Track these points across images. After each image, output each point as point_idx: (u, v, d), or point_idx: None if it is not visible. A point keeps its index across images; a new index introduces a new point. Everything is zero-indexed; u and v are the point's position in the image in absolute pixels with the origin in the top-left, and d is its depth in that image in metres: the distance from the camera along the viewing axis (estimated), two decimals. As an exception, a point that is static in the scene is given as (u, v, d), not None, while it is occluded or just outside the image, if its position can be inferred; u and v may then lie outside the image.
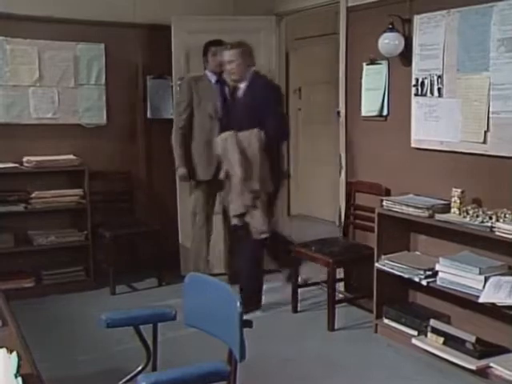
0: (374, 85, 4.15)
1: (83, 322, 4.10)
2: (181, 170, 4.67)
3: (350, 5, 4.35)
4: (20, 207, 4.57)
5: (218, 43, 4.58)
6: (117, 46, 5.08)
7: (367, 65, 4.18)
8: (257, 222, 4.14)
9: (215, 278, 2.11)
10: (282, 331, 4.01)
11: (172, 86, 5.10)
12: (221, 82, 4.66)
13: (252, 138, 4.11)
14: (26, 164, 4.63)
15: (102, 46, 5.03)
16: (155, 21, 5.07)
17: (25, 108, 4.74)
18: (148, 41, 5.19)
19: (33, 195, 4.61)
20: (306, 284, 4.51)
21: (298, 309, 4.32)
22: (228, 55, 4.27)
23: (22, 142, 4.69)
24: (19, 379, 1.35)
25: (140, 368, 2.24)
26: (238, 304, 1.81)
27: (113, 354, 3.61)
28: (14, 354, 1.48)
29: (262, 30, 5.17)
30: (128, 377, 2.25)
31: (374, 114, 4.15)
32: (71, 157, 4.80)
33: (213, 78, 4.66)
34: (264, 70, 5.05)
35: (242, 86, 4.29)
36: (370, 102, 4.18)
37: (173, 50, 4.99)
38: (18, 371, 1.40)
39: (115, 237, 4.80)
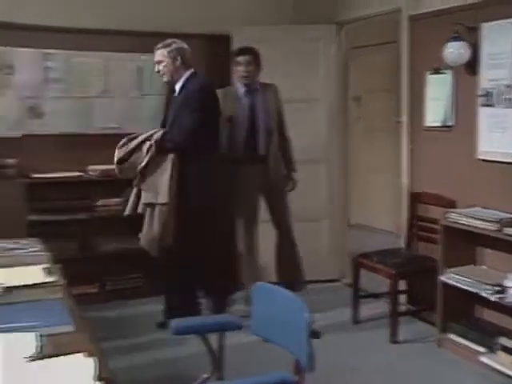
0: (438, 94, 4.10)
1: (145, 327, 4.18)
2: None
3: (412, 13, 4.32)
4: (84, 215, 4.70)
5: (243, 52, 4.38)
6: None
7: (431, 74, 4.14)
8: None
9: (283, 288, 2.13)
10: (343, 341, 3.99)
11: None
12: (250, 92, 4.39)
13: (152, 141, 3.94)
14: (90, 173, 4.76)
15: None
16: (215, 31, 5.14)
17: (90, 118, 4.87)
18: (208, 51, 5.25)
19: (97, 203, 4.75)
20: (367, 295, 4.48)
21: (359, 320, 4.30)
22: (156, 55, 4.10)
23: (87, 151, 4.80)
24: (98, 382, 1.39)
25: (206, 376, 2.28)
26: (306, 315, 1.83)
27: (176, 360, 3.66)
28: (93, 358, 1.53)
29: (321, 38, 5.19)
30: (195, 383, 2.29)
31: (439, 124, 4.10)
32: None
33: (242, 89, 4.41)
34: (323, 79, 5.08)
35: (177, 87, 4.10)
36: (434, 112, 4.13)
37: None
38: (97, 375, 1.45)
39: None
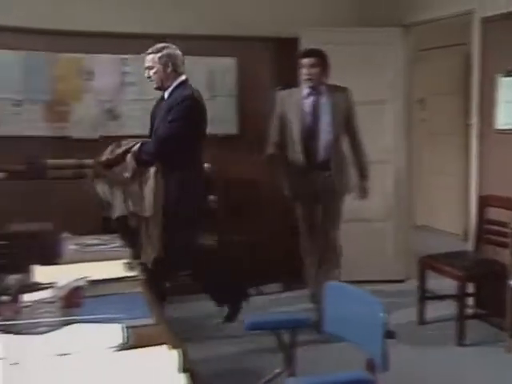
0: (510, 97, 3.99)
1: (207, 322, 4.23)
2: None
3: (485, 15, 4.21)
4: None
5: (307, 54, 4.22)
6: (247, 59, 5.21)
7: (503, 76, 4.04)
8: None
9: (357, 288, 2.12)
10: (408, 342, 3.94)
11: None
12: (314, 93, 4.20)
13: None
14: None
15: (234, 59, 5.19)
16: (283, 34, 5.14)
17: (163, 119, 4.96)
18: (276, 53, 5.26)
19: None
20: (433, 297, 4.40)
21: (425, 321, 4.23)
22: (146, 61, 3.83)
23: (160, 151, 4.90)
24: (184, 375, 1.41)
25: (278, 371, 2.29)
26: (382, 315, 1.81)
27: (248, 353, 3.69)
28: (177, 350, 1.56)
29: (387, 41, 5.13)
30: (267, 378, 2.31)
31: (511, 126, 3.99)
32: (205, 165, 4.95)
33: (305, 91, 4.24)
34: (388, 81, 5.02)
35: (166, 95, 3.87)
36: (506, 115, 4.03)
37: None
38: (182, 367, 1.47)
39: (246, 242, 4.93)
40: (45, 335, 1.77)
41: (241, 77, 5.21)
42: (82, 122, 4.78)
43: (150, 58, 3.80)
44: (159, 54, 3.78)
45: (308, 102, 4.22)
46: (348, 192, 4.34)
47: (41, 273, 2.35)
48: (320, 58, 4.17)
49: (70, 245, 2.59)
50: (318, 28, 5.02)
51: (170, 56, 3.80)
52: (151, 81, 3.86)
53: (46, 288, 2.16)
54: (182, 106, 3.71)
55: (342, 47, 4.87)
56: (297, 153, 4.19)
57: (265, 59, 5.25)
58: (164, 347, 1.61)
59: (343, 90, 4.27)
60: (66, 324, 1.84)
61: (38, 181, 4.57)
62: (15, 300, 2.10)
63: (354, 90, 4.56)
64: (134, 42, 4.82)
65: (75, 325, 1.83)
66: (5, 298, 2.12)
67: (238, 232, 5.00)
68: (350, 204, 4.43)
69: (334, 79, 4.42)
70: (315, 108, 4.20)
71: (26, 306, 2.00)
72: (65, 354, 1.59)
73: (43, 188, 4.50)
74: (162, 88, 3.85)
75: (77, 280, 2.12)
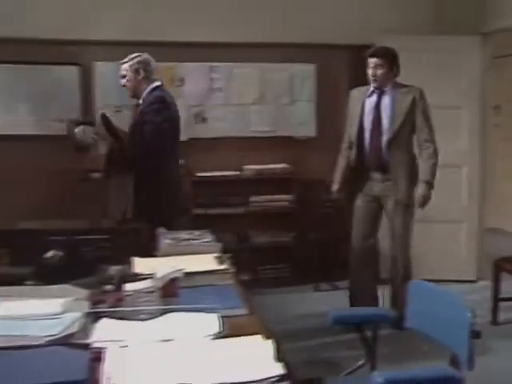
0: None
1: (296, 313, 4.21)
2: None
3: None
4: (241, 209, 4.87)
5: (372, 54, 3.91)
6: (325, 66, 5.20)
7: None
8: None
9: (444, 287, 2.06)
10: (481, 342, 3.79)
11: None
12: (378, 92, 3.92)
13: None
14: (246, 172, 4.90)
15: (313, 66, 5.18)
16: (360, 41, 5.09)
17: (246, 123, 5.04)
18: (352, 59, 5.19)
19: (251, 199, 4.88)
20: (508, 298, 4.22)
21: (498, 322, 4.07)
22: (120, 70, 3.69)
23: (243, 152, 4.96)
24: (280, 364, 1.41)
25: (360, 363, 2.25)
26: (469, 314, 1.75)
27: (330, 345, 3.65)
28: (271, 340, 1.56)
29: (465, 49, 4.98)
30: (349, 370, 2.27)
31: None
32: (284, 166, 4.98)
33: (370, 89, 3.97)
34: (464, 88, 4.85)
35: (140, 101, 3.68)
36: None
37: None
38: (277, 356, 1.46)
39: (320, 239, 4.92)
40: (146, 322, 1.81)
41: (319, 82, 5.19)
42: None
43: (123, 68, 3.69)
44: (130, 63, 3.66)
45: (370, 101, 3.93)
46: (407, 201, 3.90)
47: (139, 264, 2.40)
48: (386, 59, 3.85)
49: (165, 239, 2.63)
50: (392, 35, 4.92)
51: (140, 63, 3.65)
52: (126, 89, 3.73)
53: (146, 278, 2.21)
54: (152, 109, 3.55)
55: (418, 54, 4.76)
56: (354, 153, 3.98)
57: (342, 65, 5.21)
58: (259, 337, 1.61)
59: (412, 89, 3.90)
60: (164, 312, 1.86)
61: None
62: (118, 289, 2.16)
63: (430, 96, 4.43)
64: (221, 51, 4.92)
65: (173, 313, 1.85)
66: (109, 287, 2.18)
67: (315, 230, 4.99)
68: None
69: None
70: (376, 107, 3.89)
71: (128, 295, 2.05)
72: (167, 340, 1.62)
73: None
74: (135, 95, 3.71)
75: (174, 272, 2.15)
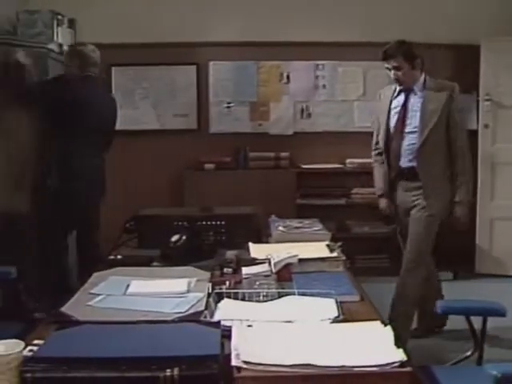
0: None
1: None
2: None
3: None
4: (342, 201, 4.80)
5: (384, 57, 3.18)
6: (428, 65, 4.91)
7: None
8: None
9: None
10: None
11: (478, 101, 4.86)
12: (404, 91, 3.23)
13: None
14: (348, 165, 4.84)
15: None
16: (463, 41, 4.87)
17: (350, 118, 4.95)
18: (456, 59, 5.00)
19: (352, 191, 4.81)
20: None
21: None
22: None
23: (346, 146, 4.89)
24: (400, 350, 1.36)
25: (467, 354, 2.15)
26: None
27: (437, 335, 3.54)
28: (389, 326, 1.51)
29: None
30: (455, 360, 2.18)
31: None
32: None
33: (397, 88, 3.28)
34: None
35: None
36: None
37: (481, 69, 4.72)
38: (396, 343, 1.42)
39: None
40: (264, 304, 1.81)
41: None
42: (279, 120, 4.91)
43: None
44: (69, 51, 3.64)
45: (396, 101, 3.25)
46: (443, 216, 3.22)
47: (255, 249, 2.42)
48: (400, 57, 3.12)
49: (279, 226, 2.64)
50: (498, 37, 4.66)
51: (75, 52, 3.56)
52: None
53: (261, 263, 2.22)
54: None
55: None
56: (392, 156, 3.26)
57: (446, 64, 5.00)
58: (378, 323, 1.57)
59: (445, 86, 3.18)
60: (282, 295, 1.86)
61: (242, 170, 4.77)
62: (236, 272, 2.19)
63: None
64: (326, 50, 4.87)
65: (290, 296, 1.85)
66: (228, 270, 2.21)
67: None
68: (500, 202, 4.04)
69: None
70: (403, 107, 3.20)
71: (246, 278, 2.07)
72: (287, 321, 1.61)
73: (246, 177, 4.68)
74: None
75: (289, 257, 2.15)
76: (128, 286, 2.00)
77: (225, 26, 4.74)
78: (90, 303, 1.85)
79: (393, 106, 3.25)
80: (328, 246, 2.38)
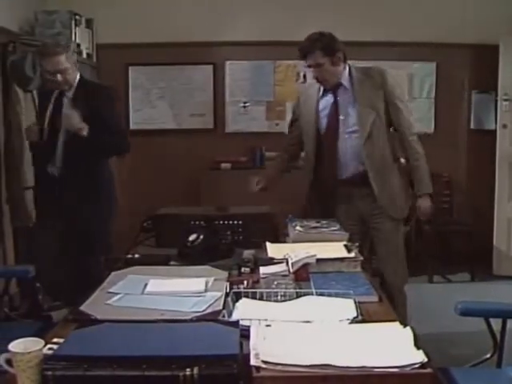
0: None
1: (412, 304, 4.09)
2: None
3: None
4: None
5: (301, 56, 2.87)
6: (446, 64, 4.99)
7: None
8: None
9: None
10: None
11: (496, 101, 4.82)
12: (331, 89, 2.88)
13: None
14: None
15: (434, 64, 4.98)
16: (483, 41, 4.84)
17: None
18: (475, 59, 4.98)
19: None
20: None
21: None
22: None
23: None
24: (421, 351, 1.35)
25: (487, 356, 2.13)
26: None
27: (455, 336, 3.52)
28: (408, 327, 1.50)
29: None
30: (474, 362, 2.16)
31: None
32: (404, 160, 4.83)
33: (321, 88, 2.93)
34: None
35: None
36: None
37: (500, 68, 4.69)
38: (415, 344, 1.41)
39: (435, 232, 4.74)
40: (282, 303, 1.80)
41: (439, 80, 4.99)
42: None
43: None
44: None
45: (325, 101, 2.89)
46: (404, 214, 2.99)
47: (272, 249, 2.41)
48: (320, 51, 2.77)
49: (296, 226, 2.63)
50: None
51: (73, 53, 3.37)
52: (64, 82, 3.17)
53: (279, 263, 2.22)
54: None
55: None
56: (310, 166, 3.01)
57: (464, 64, 4.99)
58: (397, 324, 1.56)
59: (373, 72, 2.87)
60: (300, 295, 1.85)
61: (258, 170, 4.75)
62: (253, 271, 2.18)
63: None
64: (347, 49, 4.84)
65: (308, 296, 1.84)
66: (245, 269, 2.21)
67: (431, 223, 4.81)
68: None
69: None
70: (334, 106, 2.86)
71: (263, 277, 2.06)
72: (306, 322, 1.60)
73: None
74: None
75: (307, 257, 2.14)
76: (146, 284, 2.01)
77: (241, 26, 4.76)
78: (108, 302, 1.85)
79: (321, 107, 2.89)
80: (346, 246, 2.36)
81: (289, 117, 4.81)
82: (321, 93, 2.90)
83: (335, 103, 2.85)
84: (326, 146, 2.89)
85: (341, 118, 2.84)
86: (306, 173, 3.08)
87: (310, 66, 2.80)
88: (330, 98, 2.88)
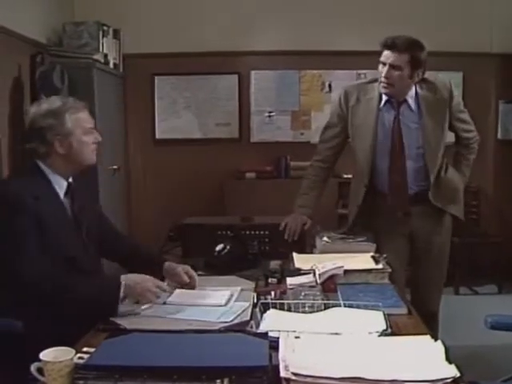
0: None
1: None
2: None
3: None
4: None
5: (389, 45, 2.58)
6: (473, 74, 4.93)
7: None
8: None
9: None
10: None
11: (524, 110, 4.77)
12: (396, 104, 2.65)
13: None
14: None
15: (461, 74, 4.93)
16: (510, 50, 4.79)
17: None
18: (502, 68, 4.92)
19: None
20: None
21: None
22: None
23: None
24: (452, 366, 1.33)
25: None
26: None
27: (487, 349, 3.41)
28: (439, 341, 1.48)
29: None
30: (506, 377, 2.13)
31: None
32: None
33: (383, 99, 2.69)
34: None
35: None
36: None
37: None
38: (447, 358, 1.39)
39: (462, 243, 4.66)
40: (310, 315, 1.80)
41: (466, 90, 4.93)
42: (321, 129, 4.83)
43: None
44: None
45: (386, 114, 2.67)
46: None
47: (299, 260, 2.40)
48: (404, 56, 2.52)
49: (322, 237, 2.62)
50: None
51: None
52: None
53: (306, 273, 2.21)
54: None
55: None
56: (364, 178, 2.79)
57: (491, 74, 4.93)
58: (428, 337, 1.54)
59: (440, 86, 2.67)
60: (328, 307, 1.84)
61: (283, 180, 4.77)
62: (280, 282, 2.18)
63: None
64: (366, 58, 4.80)
65: (337, 308, 1.83)
66: (272, 280, 2.20)
67: (458, 234, 4.75)
68: None
69: None
70: (396, 123, 2.65)
71: (291, 288, 2.06)
72: (335, 333, 1.59)
73: (287, 186, 4.66)
74: None
75: (335, 268, 2.13)
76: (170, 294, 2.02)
77: (266, 35, 4.77)
78: (136, 311, 1.87)
79: (381, 119, 2.66)
80: (373, 257, 2.35)
81: (314, 126, 4.86)
82: (382, 104, 2.67)
83: (397, 119, 2.65)
84: (391, 162, 2.68)
85: (404, 135, 2.65)
86: (355, 182, 2.98)
87: (384, 63, 2.55)
88: (391, 112, 2.66)
